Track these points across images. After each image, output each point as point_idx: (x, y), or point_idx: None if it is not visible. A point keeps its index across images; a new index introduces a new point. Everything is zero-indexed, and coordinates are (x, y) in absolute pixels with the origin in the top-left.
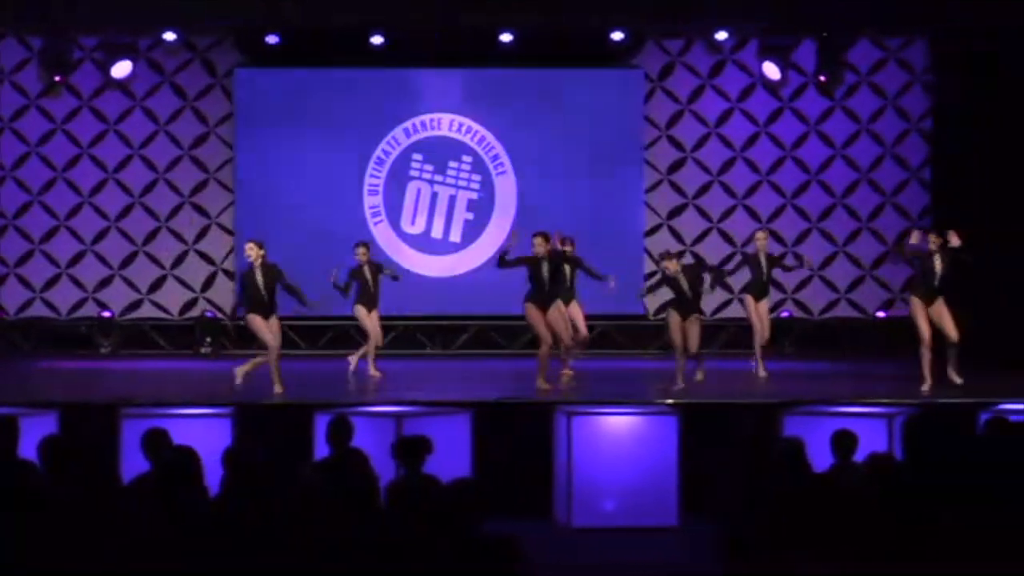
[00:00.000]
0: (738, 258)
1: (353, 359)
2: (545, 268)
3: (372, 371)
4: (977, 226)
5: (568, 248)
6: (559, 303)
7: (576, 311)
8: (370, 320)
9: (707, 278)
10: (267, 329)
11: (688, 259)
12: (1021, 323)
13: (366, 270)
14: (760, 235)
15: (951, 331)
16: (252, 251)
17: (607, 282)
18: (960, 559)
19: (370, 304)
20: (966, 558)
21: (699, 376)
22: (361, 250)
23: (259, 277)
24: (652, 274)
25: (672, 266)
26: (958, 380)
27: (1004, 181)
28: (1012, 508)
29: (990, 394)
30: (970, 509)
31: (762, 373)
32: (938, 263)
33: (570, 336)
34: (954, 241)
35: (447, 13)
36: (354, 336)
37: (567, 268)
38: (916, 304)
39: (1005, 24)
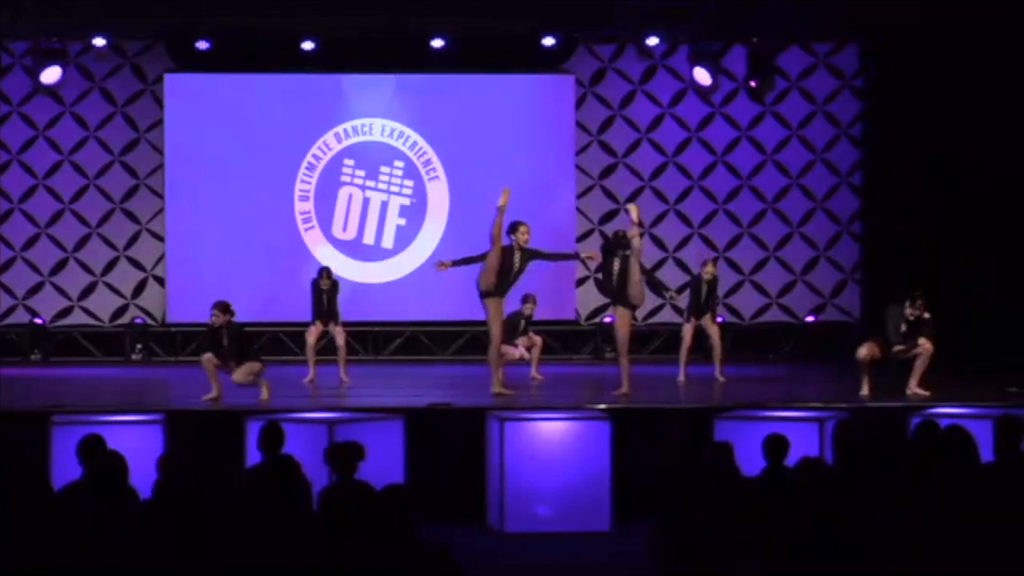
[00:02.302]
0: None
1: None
2: (517, 258)
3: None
4: (907, 231)
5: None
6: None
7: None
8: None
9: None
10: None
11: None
12: (951, 328)
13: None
14: (708, 267)
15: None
16: (217, 318)
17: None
18: (889, 562)
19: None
20: (895, 561)
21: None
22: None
23: (224, 340)
24: (584, 279)
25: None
26: (923, 393)
27: (934, 186)
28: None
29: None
30: (899, 512)
31: (721, 378)
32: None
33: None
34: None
35: (378, 18)
36: (286, 342)
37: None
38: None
39: (935, 27)
